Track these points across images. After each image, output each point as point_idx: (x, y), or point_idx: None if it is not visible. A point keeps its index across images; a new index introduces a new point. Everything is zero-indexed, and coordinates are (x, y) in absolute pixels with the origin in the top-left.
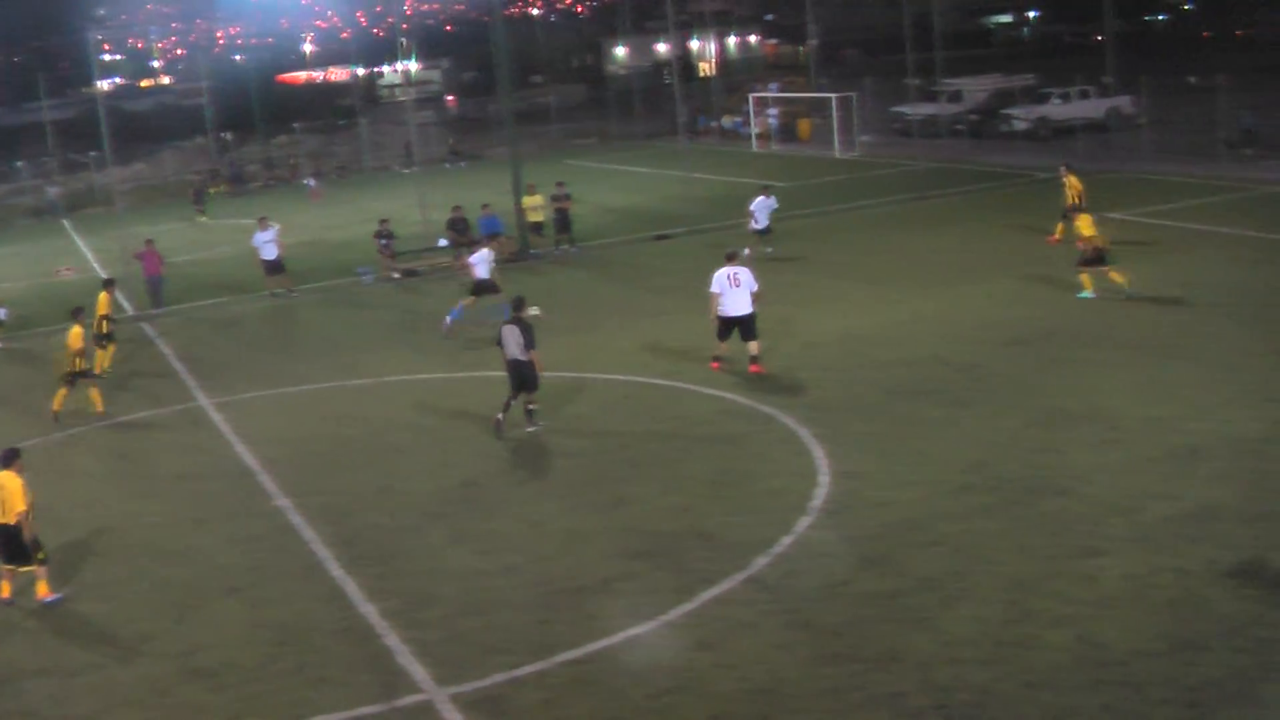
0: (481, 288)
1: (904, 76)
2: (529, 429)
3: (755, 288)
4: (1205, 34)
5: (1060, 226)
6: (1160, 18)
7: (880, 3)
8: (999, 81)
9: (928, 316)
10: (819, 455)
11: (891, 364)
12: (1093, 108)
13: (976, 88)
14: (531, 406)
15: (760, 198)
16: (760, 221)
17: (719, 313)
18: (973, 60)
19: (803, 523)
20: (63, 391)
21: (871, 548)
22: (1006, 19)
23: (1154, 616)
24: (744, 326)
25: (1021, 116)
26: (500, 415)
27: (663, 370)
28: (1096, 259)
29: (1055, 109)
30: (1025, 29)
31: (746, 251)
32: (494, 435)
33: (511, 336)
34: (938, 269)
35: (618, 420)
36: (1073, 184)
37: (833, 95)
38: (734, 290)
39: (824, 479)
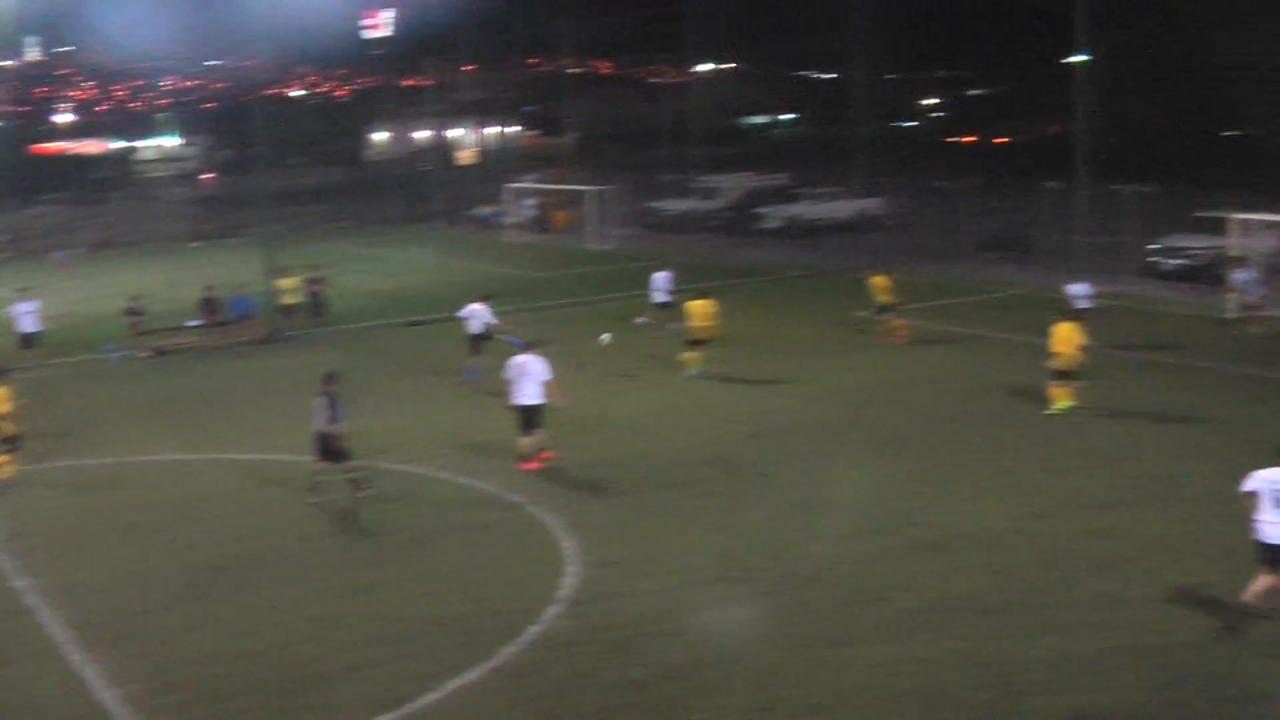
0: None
1: (661, 172)
2: (359, 495)
3: (546, 377)
4: (966, 139)
5: (884, 324)
6: (911, 124)
7: (640, 99)
8: (753, 180)
9: (680, 408)
10: (569, 545)
11: (643, 454)
12: (843, 208)
13: (731, 186)
14: (352, 476)
15: (477, 305)
16: (473, 328)
17: (512, 401)
18: (728, 159)
19: (551, 612)
20: None
21: (620, 637)
22: (762, 119)
23: (897, 705)
24: (528, 416)
25: (774, 215)
26: (312, 486)
27: (416, 455)
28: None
29: (806, 208)
30: (780, 130)
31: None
32: (309, 499)
33: (320, 409)
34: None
35: (368, 505)
36: (879, 284)
37: (588, 188)
38: (524, 379)
39: (574, 569)
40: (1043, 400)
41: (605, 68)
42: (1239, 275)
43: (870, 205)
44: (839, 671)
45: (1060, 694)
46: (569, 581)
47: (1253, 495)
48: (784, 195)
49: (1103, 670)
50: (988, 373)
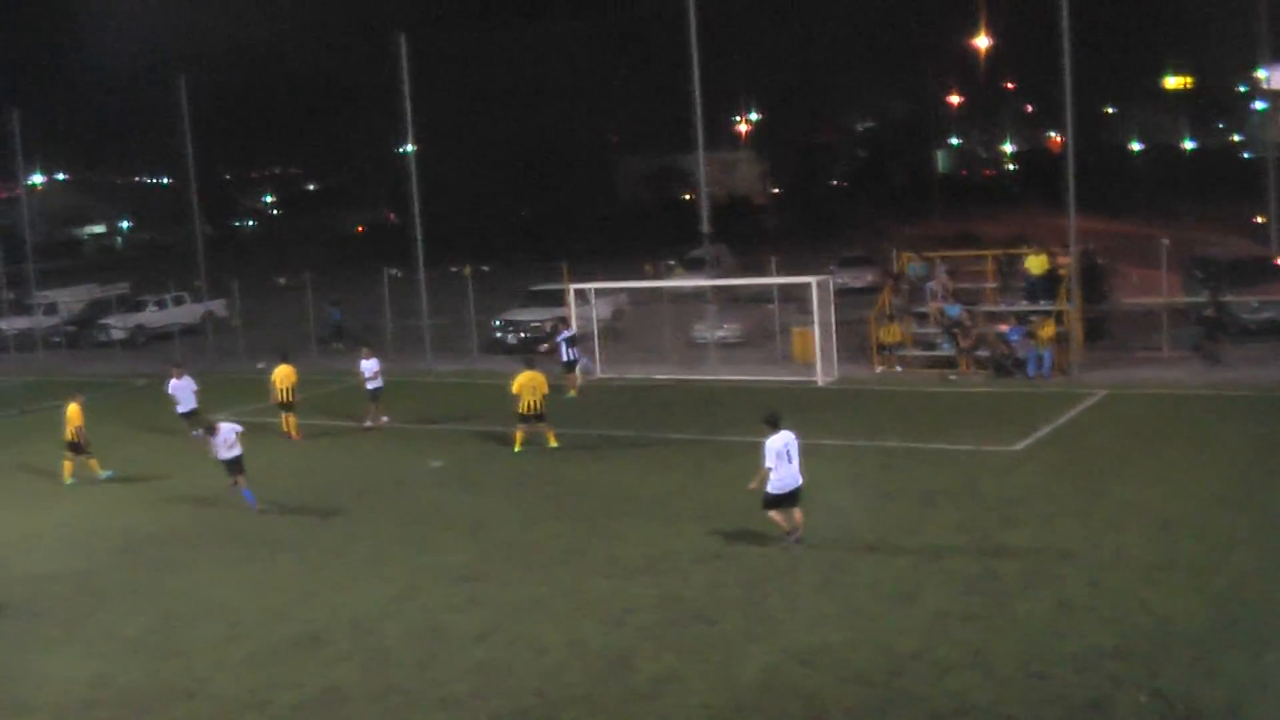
0: None
1: None
2: None
3: None
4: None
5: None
6: (249, 223)
7: None
8: (94, 291)
9: (41, 531)
10: None
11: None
12: (188, 312)
13: (72, 298)
14: None
15: None
16: None
17: None
18: (68, 271)
19: None
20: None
21: None
22: (99, 229)
23: None
24: None
25: (118, 325)
26: None
27: None
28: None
29: (151, 315)
30: (119, 238)
31: None
32: None
33: None
34: (43, 482)
35: None
36: (284, 375)
37: None
38: None
39: None
40: (408, 479)
41: None
42: (559, 339)
43: (214, 306)
44: None
45: None
46: None
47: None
48: (128, 304)
49: None
50: (351, 459)
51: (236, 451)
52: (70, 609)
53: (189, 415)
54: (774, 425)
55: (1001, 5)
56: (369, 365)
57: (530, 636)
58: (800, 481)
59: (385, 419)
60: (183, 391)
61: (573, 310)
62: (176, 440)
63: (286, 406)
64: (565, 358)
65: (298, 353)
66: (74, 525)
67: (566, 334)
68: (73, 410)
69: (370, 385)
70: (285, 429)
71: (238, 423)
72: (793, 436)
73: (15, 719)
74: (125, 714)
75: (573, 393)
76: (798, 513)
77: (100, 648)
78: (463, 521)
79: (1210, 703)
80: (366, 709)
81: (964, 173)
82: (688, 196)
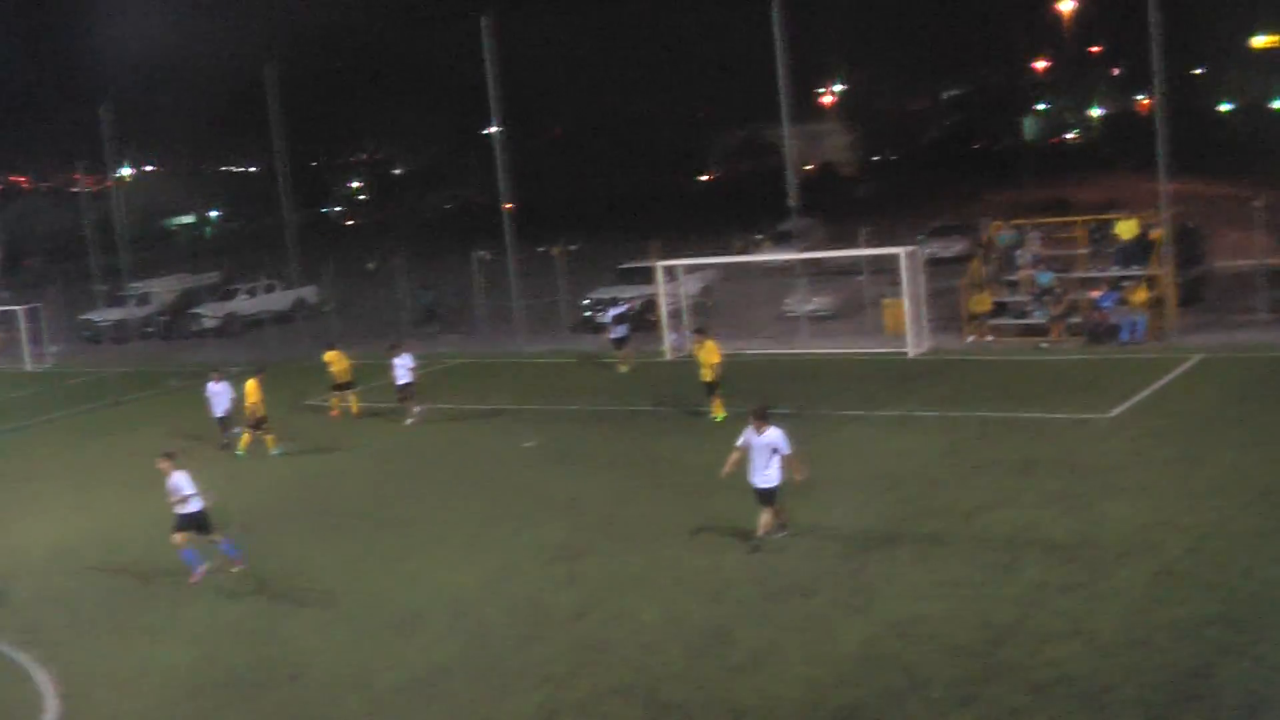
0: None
1: (91, 282)
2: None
3: None
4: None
5: (335, 400)
6: (338, 209)
7: (61, 209)
8: (186, 280)
9: (140, 520)
10: (42, 679)
11: (104, 571)
12: (279, 300)
13: (164, 289)
14: None
15: None
16: None
17: None
18: (159, 261)
19: None
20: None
21: None
22: (189, 219)
23: None
24: None
25: (210, 314)
26: None
27: None
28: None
29: (243, 304)
30: (209, 227)
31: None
32: None
33: None
34: (144, 470)
35: None
36: (335, 360)
37: (17, 307)
38: None
39: (51, 703)
40: (504, 459)
41: (21, 180)
42: (608, 316)
43: (306, 293)
44: None
45: None
46: (49, 718)
47: (744, 450)
48: (219, 293)
49: (594, 713)
50: (447, 441)
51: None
52: (171, 592)
53: (223, 420)
54: (763, 419)
55: None
56: (401, 361)
57: (629, 613)
58: (772, 484)
59: (419, 409)
60: (219, 396)
61: (661, 287)
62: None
63: (341, 388)
64: (615, 334)
65: (390, 336)
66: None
67: (616, 310)
68: (251, 386)
69: (400, 381)
70: (336, 409)
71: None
72: (779, 435)
73: (121, 703)
74: (232, 695)
75: (624, 368)
76: (768, 514)
77: (204, 631)
78: (559, 499)
79: None
80: (466, 689)
81: (1053, 140)
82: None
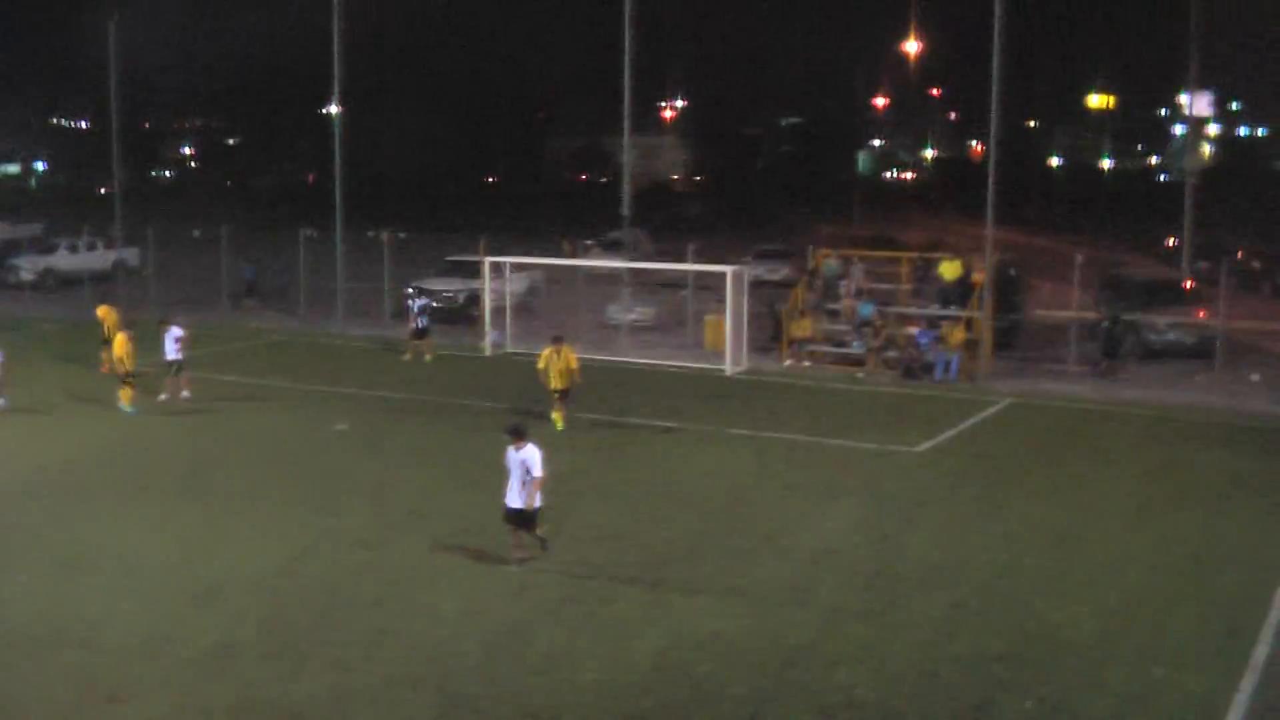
0: None
1: None
2: None
3: None
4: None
5: (104, 356)
6: (167, 173)
7: None
8: (5, 231)
9: None
10: None
11: None
12: (100, 259)
13: None
14: None
15: None
16: None
17: None
18: None
19: None
20: None
21: None
22: (13, 169)
23: None
24: None
25: (28, 267)
26: None
27: None
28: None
29: (62, 259)
30: (33, 180)
31: None
32: None
33: None
34: None
35: None
36: (106, 315)
37: None
38: None
39: None
40: (313, 440)
41: None
42: (413, 305)
43: (127, 255)
44: None
45: None
46: None
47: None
48: (39, 246)
49: (385, 701)
50: (254, 416)
51: None
52: None
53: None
54: (520, 437)
55: (934, 12)
56: (172, 333)
57: (427, 605)
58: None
59: (186, 394)
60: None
61: (487, 283)
62: (83, 383)
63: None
64: (417, 325)
65: (207, 305)
66: None
67: (421, 302)
68: (120, 339)
69: (170, 357)
70: (106, 365)
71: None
72: (535, 454)
73: None
74: (13, 656)
75: (429, 357)
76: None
77: None
78: (365, 486)
79: (1094, 713)
80: (257, 667)
81: (886, 176)
82: (608, 179)
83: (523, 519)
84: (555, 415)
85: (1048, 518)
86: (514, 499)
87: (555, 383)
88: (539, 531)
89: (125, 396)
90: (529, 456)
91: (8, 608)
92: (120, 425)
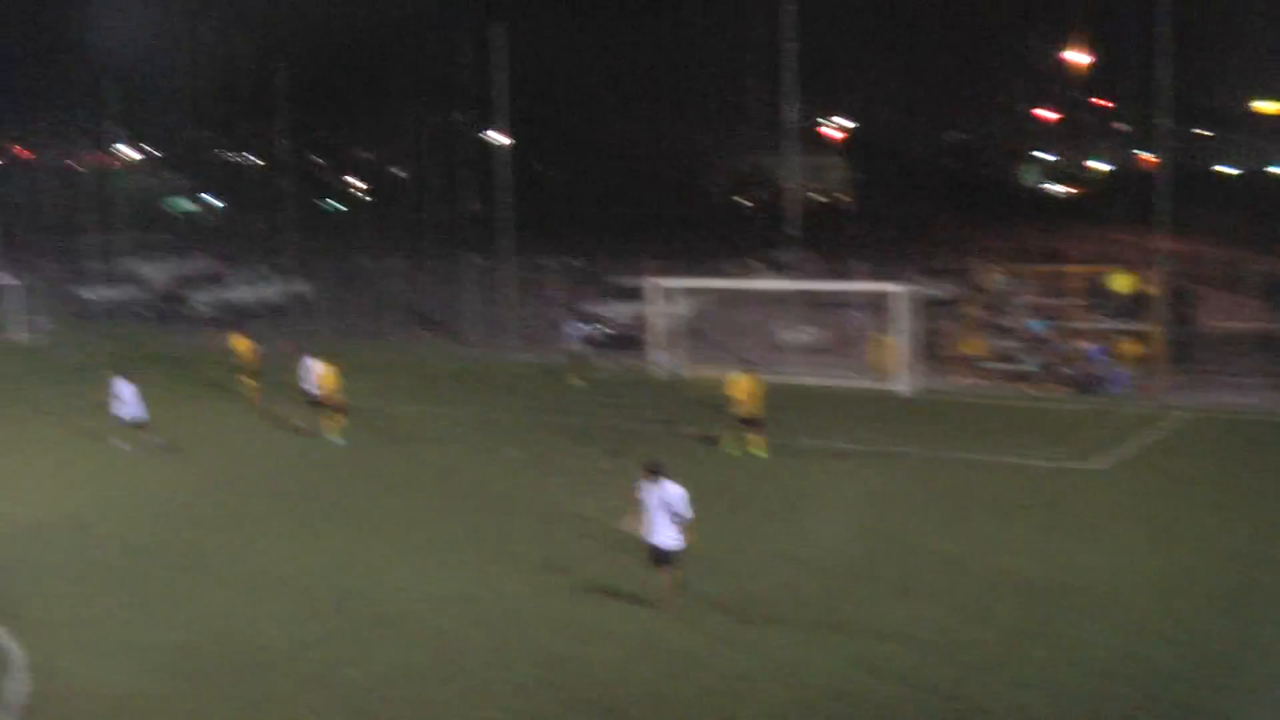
0: None
1: (86, 260)
2: None
3: None
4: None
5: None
6: (340, 207)
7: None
8: (183, 265)
9: (111, 499)
10: (15, 650)
11: (77, 549)
12: (272, 291)
13: (161, 271)
14: None
15: None
16: None
17: None
18: (156, 244)
19: None
20: None
21: None
22: (190, 205)
23: None
24: None
25: (204, 300)
26: None
27: None
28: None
29: (236, 292)
30: (208, 214)
31: None
32: None
33: None
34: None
35: None
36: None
37: (8, 281)
38: None
39: (21, 675)
40: (492, 468)
41: (21, 152)
42: (567, 328)
43: (299, 287)
44: None
45: None
46: (18, 689)
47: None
48: (214, 280)
49: None
50: (429, 444)
51: None
52: (144, 575)
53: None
54: (657, 474)
55: (1100, 23)
56: (125, 390)
57: (603, 631)
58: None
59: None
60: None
61: (656, 308)
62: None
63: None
64: (579, 350)
65: (382, 335)
66: (146, 499)
67: (582, 326)
68: (327, 371)
69: (125, 412)
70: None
71: None
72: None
73: (99, 683)
74: (202, 683)
75: (580, 381)
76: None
77: (177, 617)
78: (539, 511)
79: None
80: (437, 690)
81: (1053, 188)
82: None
83: (668, 558)
84: (753, 440)
85: (1231, 536)
86: (660, 538)
87: (749, 410)
88: (679, 574)
89: (333, 426)
90: (671, 496)
91: (195, 635)
92: (294, 453)
